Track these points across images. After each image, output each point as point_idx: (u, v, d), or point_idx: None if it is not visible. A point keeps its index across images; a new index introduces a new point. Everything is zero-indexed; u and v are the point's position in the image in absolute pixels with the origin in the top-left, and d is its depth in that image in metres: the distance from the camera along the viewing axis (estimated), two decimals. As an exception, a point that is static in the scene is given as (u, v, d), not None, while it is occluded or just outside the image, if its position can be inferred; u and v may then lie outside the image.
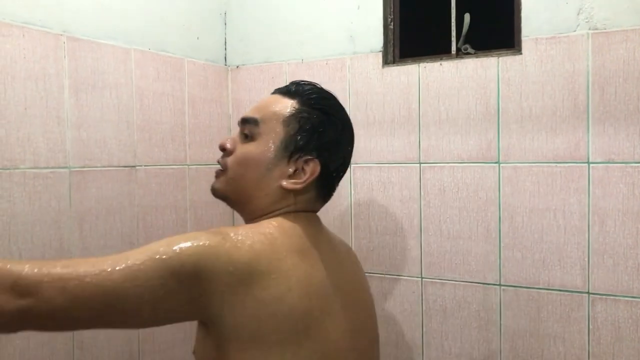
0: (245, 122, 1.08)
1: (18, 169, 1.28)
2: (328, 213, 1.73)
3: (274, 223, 1.00)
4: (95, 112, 1.46)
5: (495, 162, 1.52)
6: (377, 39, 1.68)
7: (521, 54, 1.49)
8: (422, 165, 1.62)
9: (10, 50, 1.27)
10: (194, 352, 1.02)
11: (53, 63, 1.36)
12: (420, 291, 1.63)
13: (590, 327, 1.43)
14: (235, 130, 1.10)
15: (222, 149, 1.10)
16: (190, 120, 1.76)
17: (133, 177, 1.57)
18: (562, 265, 1.45)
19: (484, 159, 1.54)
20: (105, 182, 1.48)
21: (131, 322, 0.89)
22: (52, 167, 1.36)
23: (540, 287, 1.48)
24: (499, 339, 1.53)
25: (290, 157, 1.03)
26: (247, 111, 1.10)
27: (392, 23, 1.69)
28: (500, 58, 1.51)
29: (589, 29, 1.41)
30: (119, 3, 1.53)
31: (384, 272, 1.68)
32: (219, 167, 1.10)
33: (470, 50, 1.58)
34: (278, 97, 1.09)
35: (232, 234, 0.92)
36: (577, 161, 1.43)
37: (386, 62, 1.68)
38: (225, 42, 1.93)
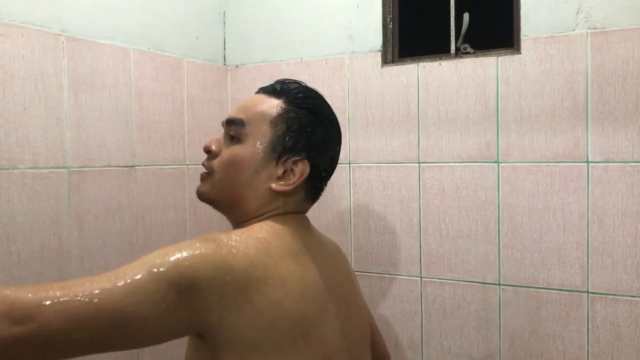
0: (230, 123, 1.04)
1: (17, 168, 1.28)
2: (327, 213, 1.73)
3: (266, 227, 0.97)
4: (94, 111, 1.46)
5: (495, 162, 1.53)
6: (376, 38, 1.68)
7: (520, 53, 1.49)
8: (421, 164, 1.62)
9: (9, 49, 1.27)
10: None
11: (52, 63, 1.36)
12: (419, 290, 1.63)
13: (590, 326, 1.43)
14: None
15: (207, 151, 1.07)
16: (189, 120, 1.76)
17: (132, 177, 1.56)
18: (562, 265, 1.45)
19: (483, 158, 1.54)
20: (104, 182, 1.48)
21: (133, 341, 0.84)
22: (51, 167, 1.36)
23: (540, 286, 1.48)
24: (498, 338, 1.53)
25: (278, 159, 1.00)
26: (232, 111, 1.07)
27: (391, 22, 1.69)
28: (499, 57, 1.51)
29: (588, 28, 1.41)
30: (118, 3, 1.53)
31: (383, 272, 1.68)
32: (203, 170, 1.07)
33: (469, 49, 1.58)
34: (263, 96, 1.05)
35: (225, 240, 0.89)
36: (576, 160, 1.43)
37: (385, 61, 1.68)
38: (224, 42, 1.93)
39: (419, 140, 1.62)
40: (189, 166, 1.75)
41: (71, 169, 1.40)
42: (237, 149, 1.02)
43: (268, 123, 1.01)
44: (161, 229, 1.65)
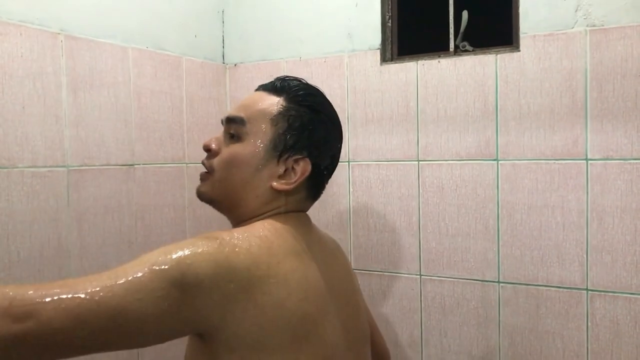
0: (230, 121, 1.03)
1: (16, 167, 1.28)
2: (327, 211, 1.73)
3: (267, 225, 0.96)
4: (93, 110, 1.46)
5: (494, 160, 1.53)
6: (375, 36, 1.68)
7: (519, 51, 1.49)
8: (420, 162, 1.62)
9: (8, 48, 1.27)
10: None
11: (50, 61, 1.36)
12: (419, 288, 1.63)
13: (589, 323, 1.43)
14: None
15: (207, 149, 1.05)
16: (188, 119, 1.76)
17: (131, 176, 1.56)
18: (561, 262, 1.46)
19: (483, 156, 1.54)
20: (103, 181, 1.48)
21: (134, 340, 0.83)
22: (50, 166, 1.35)
23: (539, 284, 1.48)
24: (497, 336, 1.53)
25: (279, 157, 0.99)
26: (232, 109, 1.06)
27: (390, 20, 1.69)
28: (498, 55, 1.51)
29: (587, 25, 1.41)
30: (117, 1, 1.53)
31: (382, 270, 1.68)
32: (203, 169, 1.06)
33: (468, 47, 1.58)
34: (263, 94, 1.04)
35: (228, 238, 0.88)
36: (576, 158, 1.43)
37: (384, 59, 1.68)
38: (223, 40, 1.93)
39: (418, 138, 1.62)
40: (188, 165, 1.75)
41: (70, 168, 1.40)
42: (237, 148, 1.01)
43: (269, 121, 1.00)
44: (160, 227, 1.65)
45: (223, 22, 1.93)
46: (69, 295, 0.75)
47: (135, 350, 1.56)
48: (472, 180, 1.55)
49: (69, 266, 1.39)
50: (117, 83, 1.52)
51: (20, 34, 1.29)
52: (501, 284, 1.53)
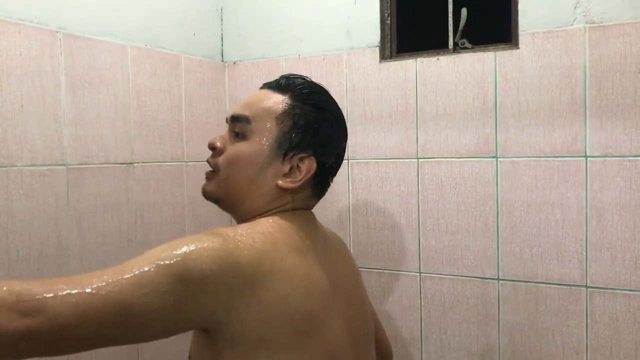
0: (235, 119, 1.03)
1: (15, 166, 1.28)
2: (326, 209, 1.73)
3: (271, 221, 0.96)
4: (92, 109, 1.46)
5: (493, 157, 1.53)
6: (374, 34, 1.68)
7: (518, 48, 1.49)
8: (419, 160, 1.62)
9: (6, 47, 1.26)
10: (189, 358, 0.99)
11: (49, 60, 1.35)
12: (418, 286, 1.64)
13: (589, 320, 1.43)
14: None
15: (212, 148, 1.06)
16: (187, 117, 1.76)
17: (130, 174, 1.56)
18: (560, 259, 1.46)
19: (482, 153, 1.54)
20: (102, 179, 1.48)
21: (139, 335, 0.83)
22: (49, 165, 1.35)
23: (539, 281, 1.48)
24: (497, 333, 1.54)
25: (285, 155, 0.99)
26: (236, 108, 1.05)
27: (389, 18, 1.69)
28: (497, 52, 1.51)
29: (586, 22, 1.41)
30: (115, 0, 1.53)
31: (382, 268, 1.68)
32: (208, 167, 1.06)
33: (467, 44, 1.58)
34: (268, 92, 1.04)
35: (232, 234, 0.88)
36: (575, 155, 1.43)
37: (383, 57, 1.68)
38: (222, 38, 1.93)
39: (418, 135, 1.62)
40: (187, 163, 1.75)
41: (69, 167, 1.40)
42: (242, 146, 1.01)
43: (274, 119, 1.00)
44: (160, 226, 1.65)
45: (222, 20, 1.93)
46: (76, 291, 0.75)
47: (135, 348, 1.56)
48: (471, 177, 1.56)
49: (69, 264, 1.39)
50: (116, 81, 1.52)
51: (19, 32, 1.29)
52: (501, 281, 1.53)
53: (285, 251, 0.92)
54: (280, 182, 0.99)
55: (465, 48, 1.58)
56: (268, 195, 1.00)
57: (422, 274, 1.63)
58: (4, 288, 0.73)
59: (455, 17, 1.59)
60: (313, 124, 1.00)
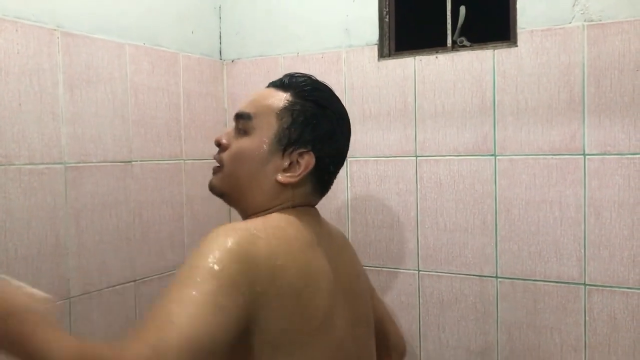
0: (239, 117, 1.06)
1: (13, 165, 1.28)
2: (325, 207, 1.72)
3: (283, 217, 1.00)
4: (90, 107, 1.45)
5: (492, 155, 1.53)
6: (372, 32, 1.68)
7: (517, 46, 1.49)
8: (418, 158, 1.62)
9: (4, 45, 1.26)
10: None
11: (47, 58, 1.35)
12: (417, 284, 1.64)
13: (587, 318, 1.43)
14: (232, 124, 1.09)
15: (218, 144, 1.09)
16: (185, 115, 1.76)
17: (129, 172, 1.56)
18: (559, 257, 1.46)
19: (480, 151, 1.54)
20: (100, 178, 1.48)
21: None
22: (47, 163, 1.35)
23: (537, 279, 1.48)
24: (495, 331, 1.54)
25: (284, 151, 1.01)
26: (241, 105, 1.08)
27: (387, 16, 1.69)
28: (496, 50, 1.51)
29: (584, 20, 1.41)
30: (113, -3, 1.53)
31: (381, 266, 1.68)
32: (215, 163, 1.09)
33: (465, 42, 1.57)
34: (272, 90, 1.07)
35: (245, 231, 0.90)
36: (573, 153, 1.43)
37: (382, 55, 1.68)
38: (220, 36, 1.93)
39: (416, 133, 1.62)
40: (185, 161, 1.75)
41: (67, 165, 1.40)
42: (244, 142, 1.04)
43: (274, 116, 1.02)
44: (158, 224, 1.65)
45: (220, 18, 1.92)
46: (165, 344, 0.74)
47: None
48: (469, 175, 1.56)
49: (67, 263, 1.39)
50: (113, 79, 1.52)
51: (16, 30, 1.29)
52: (499, 279, 1.53)
53: (297, 246, 0.95)
54: (279, 177, 1.01)
55: (464, 46, 1.58)
56: (269, 191, 1.03)
57: (420, 272, 1.63)
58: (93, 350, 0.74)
59: (454, 15, 1.59)
60: (312, 120, 1.02)
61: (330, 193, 1.13)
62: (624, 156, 1.38)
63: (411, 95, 1.62)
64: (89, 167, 1.45)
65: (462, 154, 1.56)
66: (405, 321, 1.66)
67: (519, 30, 1.48)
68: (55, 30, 1.37)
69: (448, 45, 1.60)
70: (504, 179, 1.51)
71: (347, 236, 1.70)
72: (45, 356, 0.72)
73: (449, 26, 1.60)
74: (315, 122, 1.02)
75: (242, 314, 0.83)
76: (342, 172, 1.70)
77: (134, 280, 1.57)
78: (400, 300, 1.66)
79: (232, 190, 1.06)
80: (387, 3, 1.68)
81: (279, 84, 1.07)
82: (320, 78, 1.19)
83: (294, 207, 1.04)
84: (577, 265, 1.44)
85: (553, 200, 1.46)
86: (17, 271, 1.28)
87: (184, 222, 1.74)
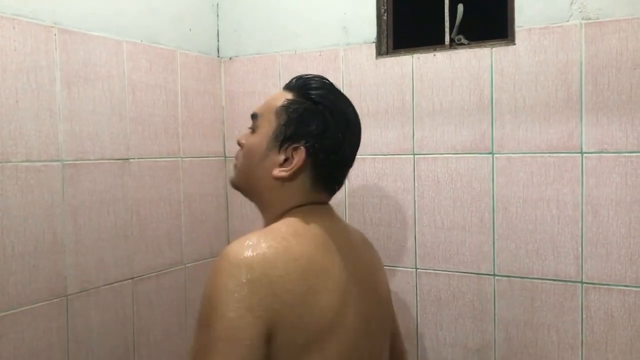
0: (251, 117, 1.14)
1: (10, 162, 1.27)
2: (322, 205, 1.73)
3: (285, 225, 1.03)
4: (87, 104, 1.45)
5: (489, 153, 1.53)
6: (370, 30, 1.68)
7: (514, 44, 1.49)
8: (416, 156, 1.62)
9: (1, 42, 1.26)
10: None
11: (44, 55, 1.35)
12: (414, 282, 1.64)
13: (584, 316, 1.44)
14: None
15: (238, 143, 1.16)
16: (183, 113, 1.75)
17: (126, 170, 1.56)
18: (556, 255, 1.46)
19: (478, 149, 1.54)
20: (98, 175, 1.48)
21: None
22: (45, 161, 1.35)
23: (534, 277, 1.49)
24: (493, 329, 1.54)
25: (280, 147, 1.06)
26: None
27: (385, 14, 1.68)
28: (494, 48, 1.51)
29: (582, 19, 1.41)
30: (110, -6, 1.52)
31: (378, 263, 1.68)
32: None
33: (463, 40, 1.57)
34: (281, 91, 1.13)
35: (240, 251, 0.94)
36: (571, 151, 1.43)
37: (380, 53, 1.67)
38: (218, 34, 1.92)
39: (414, 131, 1.62)
40: (183, 159, 1.75)
41: (65, 162, 1.39)
42: (251, 140, 1.11)
43: (274, 114, 1.08)
44: (156, 222, 1.65)
45: (218, 15, 1.92)
46: None
47: (130, 342, 1.56)
48: (467, 173, 1.56)
49: (64, 261, 1.39)
50: (111, 77, 1.52)
51: (14, 28, 1.28)
52: (496, 277, 1.53)
53: (297, 252, 0.97)
54: (274, 171, 1.06)
55: (462, 44, 1.58)
56: (269, 186, 1.08)
57: (418, 270, 1.63)
58: None
59: (452, 13, 1.59)
60: (305, 116, 1.06)
61: (327, 191, 1.14)
62: (621, 154, 1.38)
63: (409, 93, 1.62)
64: (87, 164, 1.45)
65: (460, 152, 1.56)
66: (403, 319, 1.66)
67: (516, 29, 1.48)
68: (52, 27, 1.37)
69: (446, 43, 1.60)
70: (501, 177, 1.52)
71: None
72: None
73: (446, 24, 1.60)
74: (308, 118, 1.06)
75: (263, 334, 0.90)
76: (339, 170, 1.71)
77: (132, 278, 1.57)
78: (397, 298, 1.66)
79: (245, 185, 1.14)
80: (385, 1, 1.68)
81: (287, 85, 1.13)
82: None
83: (304, 205, 1.08)
84: (574, 263, 1.44)
85: (550, 199, 1.46)
86: (14, 269, 1.27)
87: (182, 219, 1.74)
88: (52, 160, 1.36)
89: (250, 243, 0.95)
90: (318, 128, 1.05)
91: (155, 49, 1.65)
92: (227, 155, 1.91)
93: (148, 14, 1.64)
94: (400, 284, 1.66)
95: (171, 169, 1.71)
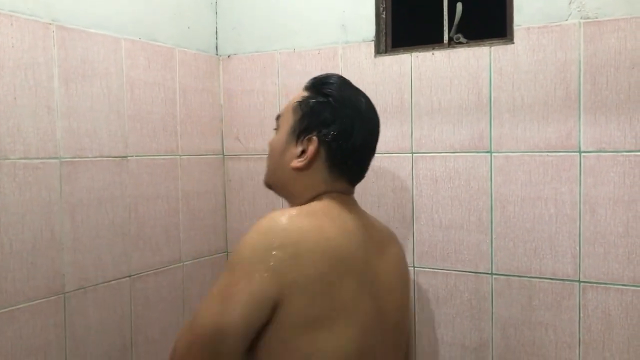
0: (275, 119, 1.24)
1: (8, 159, 1.27)
2: (320, 203, 1.73)
3: (316, 204, 1.12)
4: (85, 101, 1.45)
5: (487, 152, 1.53)
6: (369, 28, 1.68)
7: (513, 43, 1.49)
8: (414, 155, 1.62)
9: (-1, 39, 1.26)
10: None
11: (42, 52, 1.34)
12: (412, 280, 1.64)
13: (581, 314, 1.44)
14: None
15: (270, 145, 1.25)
16: (181, 110, 1.75)
17: (124, 168, 1.56)
18: (554, 254, 1.46)
19: (476, 148, 1.54)
20: (96, 173, 1.47)
21: None
22: (43, 158, 1.35)
23: (532, 275, 1.49)
24: (490, 328, 1.54)
25: (297, 140, 1.16)
26: None
27: (384, 12, 1.68)
28: (493, 47, 1.51)
29: (581, 18, 1.41)
30: (109, -9, 1.52)
31: (376, 262, 1.68)
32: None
33: (462, 39, 1.57)
34: (300, 91, 1.22)
35: (285, 222, 1.03)
36: (569, 150, 1.44)
37: (378, 51, 1.67)
38: (217, 32, 1.92)
39: (412, 130, 1.62)
40: (181, 157, 1.75)
41: (63, 160, 1.39)
42: (274, 138, 1.22)
43: (291, 111, 1.18)
44: (154, 219, 1.65)
45: (216, 13, 1.92)
46: None
47: (128, 339, 1.56)
48: (465, 172, 1.56)
49: (62, 258, 1.38)
50: (109, 74, 1.51)
51: (12, 24, 1.28)
52: (494, 276, 1.53)
53: (328, 233, 1.05)
54: (292, 163, 1.15)
55: (460, 43, 1.58)
56: (291, 178, 1.17)
57: (415, 269, 1.63)
58: None
59: (451, 11, 1.59)
60: (315, 108, 1.15)
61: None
62: (619, 153, 1.38)
63: (407, 91, 1.62)
64: (84, 161, 1.45)
65: (458, 150, 1.56)
66: (401, 317, 1.66)
67: (515, 27, 1.48)
68: (50, 24, 1.36)
69: (444, 41, 1.60)
70: (499, 176, 1.52)
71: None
72: None
73: (445, 23, 1.60)
74: (319, 110, 1.14)
75: (276, 298, 0.98)
76: (338, 168, 1.70)
77: (129, 276, 1.57)
78: (395, 297, 1.66)
79: (273, 181, 1.23)
80: (384, -1, 1.68)
81: (305, 85, 1.22)
82: (316, 74, 1.23)
83: (326, 193, 1.16)
84: (572, 262, 1.44)
85: (548, 197, 1.46)
86: (12, 266, 1.27)
87: (180, 217, 1.74)
88: (49, 158, 1.36)
89: (291, 215, 1.04)
90: (328, 119, 1.14)
91: (153, 46, 1.65)
92: (225, 153, 1.91)
93: (146, 12, 1.64)
94: (398, 282, 1.66)
95: (169, 167, 1.71)
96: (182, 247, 1.74)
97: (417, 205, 1.62)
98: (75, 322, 1.41)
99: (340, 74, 1.71)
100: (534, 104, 1.47)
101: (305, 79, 1.25)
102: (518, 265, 1.50)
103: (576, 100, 1.42)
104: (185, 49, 1.78)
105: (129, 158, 1.57)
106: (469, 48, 1.54)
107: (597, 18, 1.39)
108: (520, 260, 1.50)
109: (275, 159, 1.20)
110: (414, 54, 1.61)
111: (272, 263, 0.98)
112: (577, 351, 1.44)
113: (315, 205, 1.12)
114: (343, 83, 1.20)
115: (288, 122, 1.17)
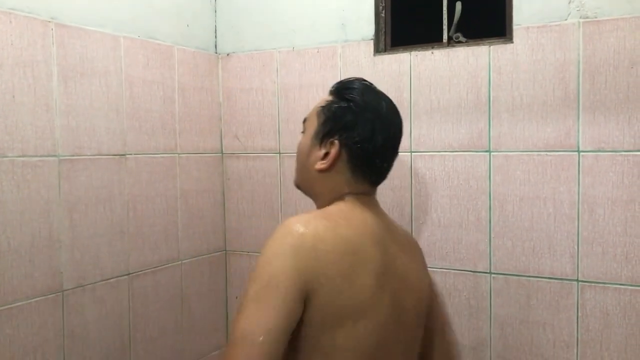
0: (303, 122, 1.29)
1: (6, 157, 1.27)
2: (319, 202, 1.73)
3: (337, 205, 1.18)
4: (84, 99, 1.45)
5: (486, 151, 1.53)
6: (368, 27, 1.67)
7: (512, 42, 1.49)
8: (413, 154, 1.62)
9: (-3, 36, 1.25)
10: None
11: (41, 50, 1.34)
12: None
13: (579, 314, 1.44)
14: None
15: None
16: (180, 109, 1.75)
17: (123, 166, 1.56)
18: (552, 253, 1.46)
19: (475, 147, 1.54)
20: (94, 171, 1.47)
21: None
22: (41, 156, 1.34)
23: (530, 275, 1.49)
24: (489, 327, 1.54)
25: (321, 143, 1.20)
26: None
27: (383, 11, 1.68)
28: (492, 47, 1.51)
29: (580, 17, 1.41)
30: (108, -11, 1.52)
31: (375, 261, 1.68)
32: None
33: (461, 38, 1.57)
34: (325, 96, 1.27)
35: (303, 226, 1.08)
36: (568, 150, 1.44)
37: (377, 50, 1.67)
38: (216, 30, 1.92)
39: (411, 129, 1.62)
40: (180, 155, 1.75)
41: (61, 158, 1.39)
42: (300, 141, 1.27)
43: (316, 115, 1.23)
44: (152, 218, 1.65)
45: (215, 11, 1.92)
46: None
47: (126, 338, 1.56)
48: (464, 171, 1.56)
49: (60, 256, 1.38)
50: (108, 72, 1.51)
51: (10, 22, 1.28)
52: (493, 275, 1.54)
53: (345, 233, 1.10)
54: (316, 165, 1.20)
55: (460, 42, 1.58)
56: (316, 180, 1.22)
57: (414, 268, 1.63)
58: None
59: (450, 10, 1.59)
60: (338, 113, 1.20)
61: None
62: (618, 153, 1.38)
63: (406, 90, 1.62)
64: (83, 159, 1.44)
65: (457, 149, 1.56)
66: (399, 316, 1.66)
67: (514, 27, 1.48)
68: (49, 22, 1.36)
69: (444, 41, 1.60)
70: (498, 175, 1.52)
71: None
72: None
73: (444, 22, 1.60)
74: (341, 114, 1.19)
75: (303, 298, 1.03)
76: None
77: (128, 274, 1.57)
78: (394, 296, 1.66)
79: (301, 182, 1.29)
80: (384, -2, 1.68)
81: (330, 89, 1.26)
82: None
83: (348, 194, 1.20)
84: (570, 261, 1.44)
85: (547, 197, 1.46)
86: (10, 264, 1.27)
87: (178, 215, 1.74)
88: (48, 156, 1.36)
89: (306, 219, 1.09)
90: (349, 123, 1.18)
91: (152, 44, 1.65)
92: (224, 152, 1.91)
93: (146, 10, 1.63)
94: (396, 281, 1.66)
95: (168, 165, 1.70)
96: (181, 245, 1.74)
97: (416, 204, 1.62)
98: (73, 320, 1.41)
99: (340, 73, 1.73)
100: (533, 104, 1.47)
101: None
102: (516, 265, 1.50)
103: (575, 99, 1.42)
104: (184, 47, 1.77)
105: (127, 156, 1.57)
106: (468, 47, 1.54)
107: (596, 17, 1.39)
108: (519, 259, 1.50)
109: (302, 160, 1.25)
110: (413, 53, 1.61)
111: (295, 266, 1.02)
112: (575, 350, 1.45)
113: (331, 208, 1.18)
114: (366, 88, 1.23)
115: (313, 125, 1.22)
